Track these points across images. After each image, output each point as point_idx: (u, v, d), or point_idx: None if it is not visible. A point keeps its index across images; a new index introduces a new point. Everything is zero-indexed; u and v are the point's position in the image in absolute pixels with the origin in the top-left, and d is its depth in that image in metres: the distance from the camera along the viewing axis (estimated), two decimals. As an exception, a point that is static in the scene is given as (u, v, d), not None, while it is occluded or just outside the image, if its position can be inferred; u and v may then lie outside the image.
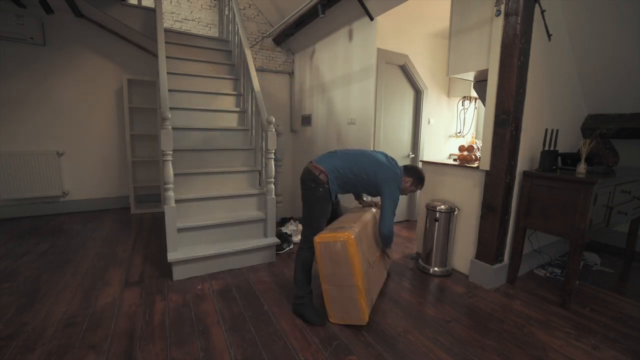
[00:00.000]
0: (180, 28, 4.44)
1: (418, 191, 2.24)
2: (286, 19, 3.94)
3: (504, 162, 2.10)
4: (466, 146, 2.83)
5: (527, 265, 2.49)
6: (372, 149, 3.41)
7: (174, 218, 2.27)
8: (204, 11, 4.61)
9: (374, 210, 2.28)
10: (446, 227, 2.39)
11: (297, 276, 1.90)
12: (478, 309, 1.98)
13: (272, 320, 1.83)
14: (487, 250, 2.24)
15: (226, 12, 3.99)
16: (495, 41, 2.07)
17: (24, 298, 1.97)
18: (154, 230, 3.32)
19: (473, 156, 2.59)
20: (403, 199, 3.84)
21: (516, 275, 2.30)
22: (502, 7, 2.01)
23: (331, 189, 1.87)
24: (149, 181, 4.18)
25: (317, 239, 1.74)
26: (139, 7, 3.55)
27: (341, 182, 1.92)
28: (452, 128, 4.09)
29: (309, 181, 1.89)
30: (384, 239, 2.00)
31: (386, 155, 2.06)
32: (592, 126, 2.72)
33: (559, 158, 2.35)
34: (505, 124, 2.07)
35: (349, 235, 1.67)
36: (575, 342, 1.67)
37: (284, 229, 3.15)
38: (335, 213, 2.12)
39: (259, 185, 2.87)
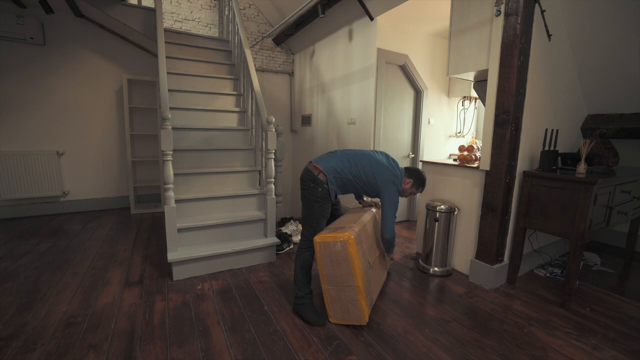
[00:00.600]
0: (180, 28, 4.44)
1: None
2: (286, 19, 3.94)
3: (504, 162, 2.10)
4: (466, 146, 2.83)
5: (527, 265, 2.49)
6: (372, 149, 3.40)
7: (174, 218, 2.27)
8: (204, 11, 4.61)
9: (374, 210, 2.28)
10: (446, 227, 2.39)
11: (297, 276, 1.90)
12: (478, 309, 1.98)
13: (272, 320, 1.83)
14: (487, 250, 2.24)
15: (226, 12, 3.99)
16: (495, 41, 2.07)
17: (24, 298, 1.97)
18: (154, 230, 3.33)
19: (473, 156, 2.59)
20: (402, 198, 3.84)
21: (516, 275, 2.30)
22: (502, 7, 2.01)
23: (330, 189, 1.87)
24: (149, 181, 4.18)
25: (317, 238, 1.74)
26: (139, 7, 3.55)
27: (340, 182, 1.92)
28: (452, 128, 4.09)
29: (308, 181, 1.89)
30: (386, 244, 2.00)
31: (387, 156, 2.04)
32: (592, 126, 2.72)
33: (559, 158, 2.35)
34: (505, 124, 2.07)
35: (349, 235, 1.67)
36: (575, 342, 1.67)
37: (284, 229, 3.15)
38: (335, 213, 2.13)
39: (259, 185, 2.87)
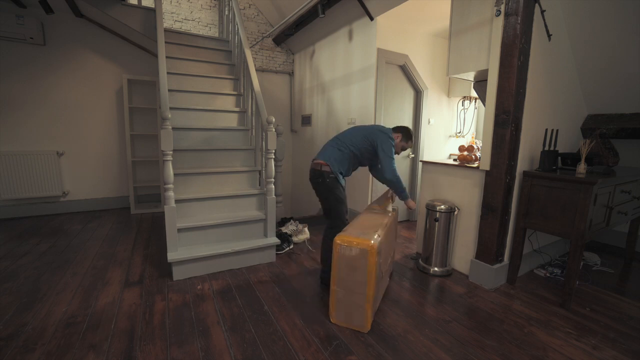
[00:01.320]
0: (180, 28, 4.44)
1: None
2: (286, 19, 3.94)
3: (504, 162, 2.10)
4: (466, 146, 2.83)
5: (527, 265, 2.49)
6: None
7: (174, 218, 2.26)
8: (204, 11, 4.61)
9: (391, 209, 2.25)
10: (446, 227, 2.39)
11: (326, 255, 2.10)
12: (478, 309, 1.98)
13: (272, 320, 1.83)
14: (487, 250, 2.24)
15: (226, 12, 3.99)
16: (495, 41, 2.07)
17: (24, 298, 1.97)
18: (154, 230, 3.33)
19: (473, 156, 2.59)
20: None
21: (516, 275, 2.30)
22: (502, 7, 2.01)
23: (337, 175, 2.08)
24: (149, 181, 4.18)
25: (338, 239, 1.70)
26: (139, 7, 3.55)
27: (345, 162, 2.13)
28: (452, 128, 4.09)
29: (315, 178, 2.11)
30: (392, 185, 2.15)
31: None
32: (592, 126, 2.72)
33: (559, 158, 2.35)
34: (505, 124, 2.07)
35: (373, 245, 1.64)
36: (575, 342, 1.67)
37: (284, 229, 3.15)
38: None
39: (259, 185, 2.87)
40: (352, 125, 3.64)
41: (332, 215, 2.12)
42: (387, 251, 2.00)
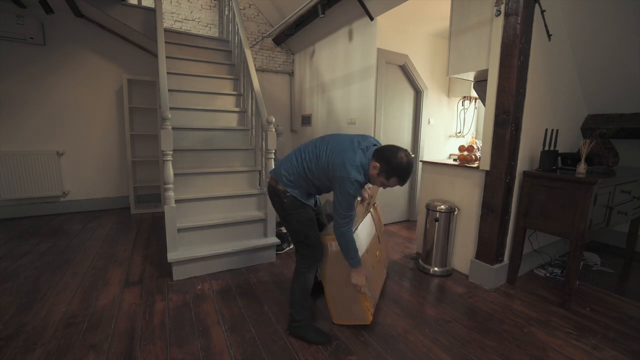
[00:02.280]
0: (180, 28, 4.44)
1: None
2: (286, 19, 3.94)
3: (504, 162, 2.10)
4: (466, 146, 2.83)
5: (527, 265, 2.49)
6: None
7: (174, 218, 2.26)
8: (204, 11, 4.61)
9: (370, 209, 2.22)
10: (446, 227, 2.39)
11: (295, 298, 1.66)
12: (478, 309, 1.98)
13: (272, 320, 1.83)
14: (487, 250, 2.24)
15: (226, 12, 3.99)
16: (495, 41, 2.07)
17: (24, 298, 1.97)
18: (154, 230, 3.32)
19: (473, 156, 2.59)
20: (402, 198, 3.83)
21: (516, 275, 2.30)
22: (502, 7, 2.01)
23: (294, 195, 1.60)
24: (149, 181, 4.18)
25: (325, 239, 1.71)
26: (139, 7, 3.55)
27: (298, 184, 1.60)
28: (452, 128, 4.09)
29: (272, 195, 1.68)
30: (340, 246, 1.57)
31: (365, 139, 1.56)
32: (592, 126, 2.72)
33: (559, 158, 2.35)
34: (505, 124, 2.07)
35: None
36: (575, 342, 1.67)
37: (284, 229, 3.15)
38: (318, 221, 1.85)
39: (259, 185, 2.87)
40: (350, 126, 3.63)
41: (302, 241, 1.64)
42: (374, 244, 1.99)
